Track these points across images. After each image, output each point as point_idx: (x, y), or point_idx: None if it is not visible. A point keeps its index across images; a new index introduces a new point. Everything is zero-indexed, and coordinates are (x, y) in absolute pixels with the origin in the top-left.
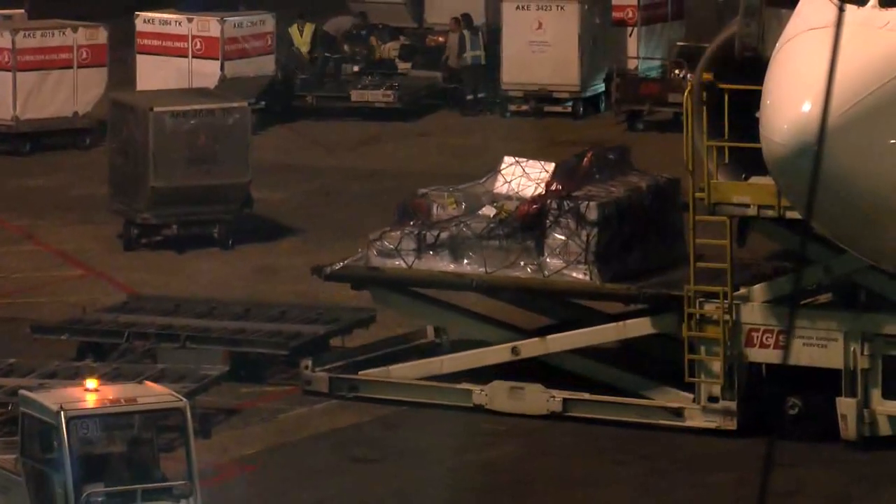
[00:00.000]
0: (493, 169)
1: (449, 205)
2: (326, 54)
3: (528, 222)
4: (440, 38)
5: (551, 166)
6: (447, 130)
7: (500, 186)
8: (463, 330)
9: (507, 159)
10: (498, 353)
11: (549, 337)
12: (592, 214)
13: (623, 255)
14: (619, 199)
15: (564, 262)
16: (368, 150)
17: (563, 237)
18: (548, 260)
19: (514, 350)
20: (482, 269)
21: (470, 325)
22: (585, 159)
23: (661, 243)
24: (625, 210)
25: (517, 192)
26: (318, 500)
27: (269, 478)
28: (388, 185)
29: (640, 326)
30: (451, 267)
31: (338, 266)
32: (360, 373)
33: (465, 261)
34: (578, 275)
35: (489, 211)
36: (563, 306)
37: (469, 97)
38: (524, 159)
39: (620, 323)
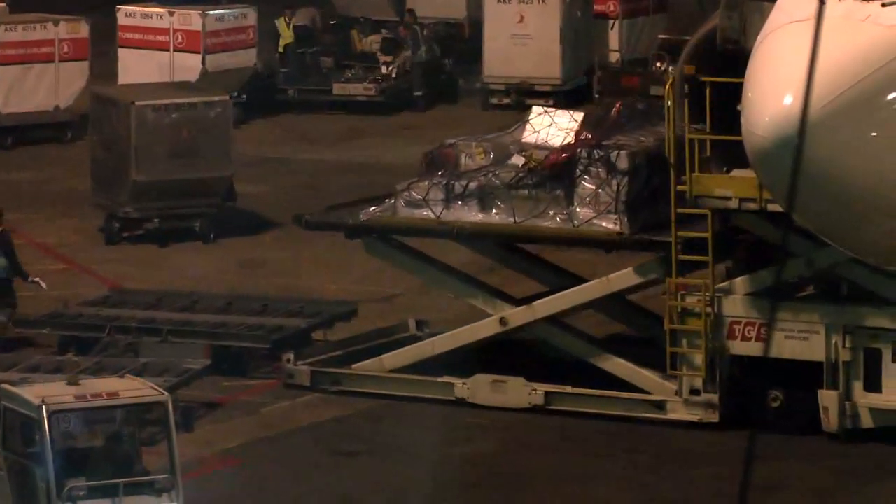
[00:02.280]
0: (522, 119)
1: (477, 155)
2: (315, 48)
3: (558, 171)
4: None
5: (580, 116)
6: (429, 124)
7: (529, 136)
8: (443, 285)
9: (536, 109)
10: (487, 327)
11: (536, 303)
12: (623, 163)
13: (652, 205)
14: (649, 149)
15: (594, 211)
16: (350, 143)
17: (593, 186)
18: (577, 209)
19: (503, 321)
20: (511, 219)
21: (453, 283)
22: (614, 109)
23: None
24: (654, 160)
25: (546, 142)
26: (301, 494)
27: (252, 471)
28: (371, 179)
29: (625, 279)
30: (480, 217)
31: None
32: (353, 366)
33: (494, 210)
34: (609, 224)
35: (518, 160)
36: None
37: (417, 94)
38: (552, 109)
39: (604, 278)
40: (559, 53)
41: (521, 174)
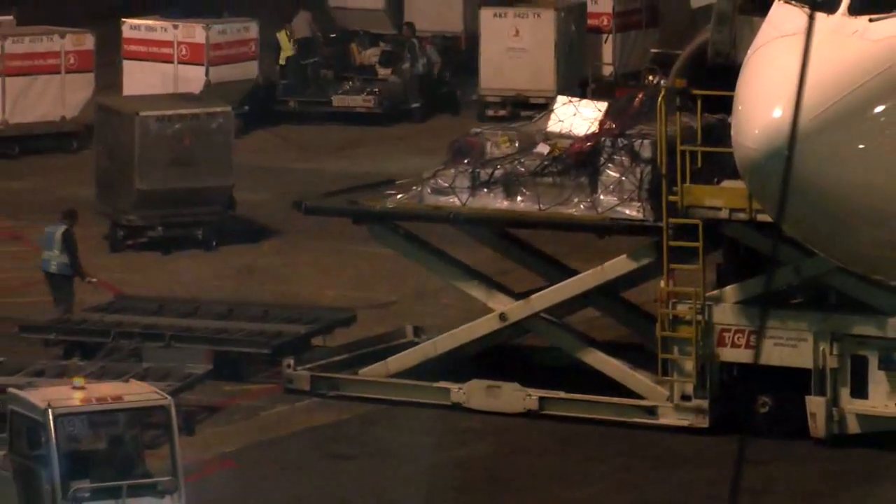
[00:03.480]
0: (548, 108)
1: (502, 143)
2: (315, 59)
3: (582, 160)
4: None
5: (604, 106)
6: (426, 135)
7: (554, 125)
8: (444, 274)
9: (561, 98)
10: (487, 323)
11: (533, 297)
12: (647, 152)
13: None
14: (672, 138)
15: (618, 198)
16: (349, 153)
17: (617, 174)
18: (601, 197)
19: (502, 316)
20: (536, 206)
21: (454, 272)
22: (637, 99)
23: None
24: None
25: (570, 131)
26: (298, 496)
27: (251, 474)
28: None
29: (620, 266)
30: (505, 204)
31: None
32: (360, 371)
33: (519, 198)
34: (632, 211)
35: (543, 149)
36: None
37: (414, 105)
38: (577, 99)
39: (599, 267)
40: (553, 66)
41: (545, 162)
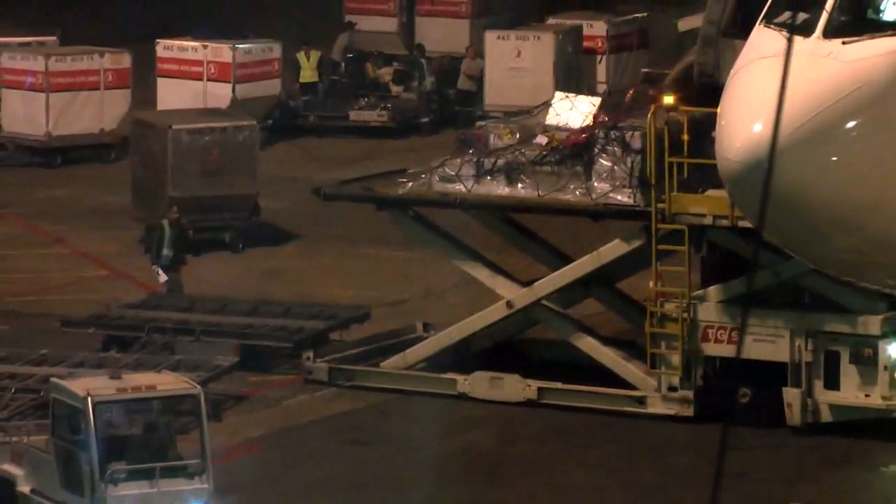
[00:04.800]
0: (546, 102)
1: (504, 135)
2: (334, 77)
3: (578, 150)
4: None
5: (598, 101)
6: (434, 147)
7: (552, 119)
8: (455, 258)
9: (558, 94)
10: (496, 311)
11: (537, 283)
12: (637, 143)
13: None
14: (660, 130)
15: (611, 185)
16: (363, 164)
17: (609, 163)
18: (595, 184)
19: (509, 304)
20: (535, 193)
21: (463, 257)
22: (628, 95)
23: (697, 170)
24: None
25: (566, 124)
26: (317, 479)
27: (273, 458)
28: None
29: (614, 250)
30: (507, 191)
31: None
32: (381, 363)
33: (520, 185)
34: (623, 197)
35: (542, 140)
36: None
37: (424, 119)
38: (573, 94)
39: (594, 252)
40: (552, 84)
41: (544, 152)
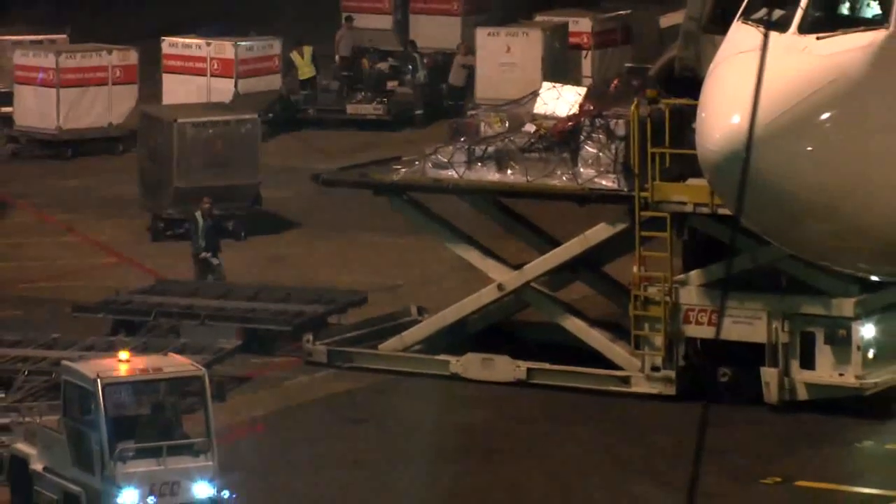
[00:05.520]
0: (534, 92)
1: (495, 123)
2: (344, 73)
3: (565, 137)
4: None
5: (583, 90)
6: (428, 138)
7: (540, 107)
8: (448, 241)
9: (546, 84)
10: (488, 294)
11: (526, 266)
12: (621, 130)
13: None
14: (643, 121)
15: (596, 171)
16: (361, 155)
17: (594, 150)
18: (581, 170)
19: (500, 286)
20: (524, 178)
21: (456, 240)
22: (613, 85)
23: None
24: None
25: (554, 112)
26: (317, 456)
27: (275, 436)
28: None
29: (600, 232)
30: (497, 176)
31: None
32: (379, 345)
33: (510, 171)
34: (608, 182)
35: (530, 128)
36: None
37: (418, 112)
38: (560, 84)
39: (581, 235)
40: (540, 79)
41: (532, 140)
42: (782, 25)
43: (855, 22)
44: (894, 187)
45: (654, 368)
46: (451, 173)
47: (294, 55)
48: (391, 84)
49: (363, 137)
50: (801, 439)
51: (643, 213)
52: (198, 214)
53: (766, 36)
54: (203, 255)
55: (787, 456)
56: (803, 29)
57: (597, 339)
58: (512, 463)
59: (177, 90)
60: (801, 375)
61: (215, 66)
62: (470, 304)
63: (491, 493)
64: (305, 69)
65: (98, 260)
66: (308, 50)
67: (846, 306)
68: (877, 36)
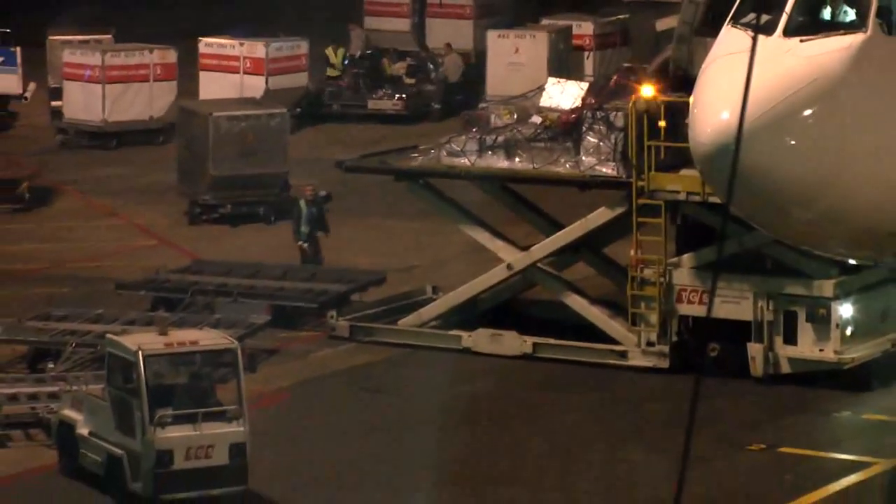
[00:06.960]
0: (540, 86)
1: (504, 115)
2: (355, 71)
3: (568, 128)
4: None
5: (586, 85)
6: (443, 131)
7: (545, 101)
8: (461, 223)
9: (551, 80)
10: (497, 273)
11: (533, 248)
12: (620, 122)
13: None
14: (640, 116)
15: (597, 159)
16: (382, 146)
17: (596, 140)
18: (583, 158)
19: (509, 266)
20: (531, 166)
21: (468, 223)
22: (613, 80)
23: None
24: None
25: (558, 105)
26: (339, 422)
27: (301, 404)
28: None
29: (600, 216)
30: (506, 164)
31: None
32: (399, 322)
33: (517, 159)
34: (608, 170)
35: (537, 120)
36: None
37: (436, 106)
38: (564, 80)
39: (583, 219)
40: (546, 77)
41: (539, 130)
42: (769, 29)
43: (835, 26)
44: (870, 178)
45: (650, 343)
46: (464, 161)
47: (329, 51)
48: (409, 81)
49: (383, 130)
50: (783, 409)
51: (639, 201)
52: (301, 202)
53: (753, 39)
54: (302, 244)
55: (771, 424)
56: (788, 32)
57: (597, 315)
58: (518, 429)
59: (212, 86)
60: (784, 351)
61: (248, 65)
62: (481, 283)
63: (497, 457)
64: (334, 70)
65: (139, 242)
66: (342, 52)
67: (826, 287)
68: (855, 39)
